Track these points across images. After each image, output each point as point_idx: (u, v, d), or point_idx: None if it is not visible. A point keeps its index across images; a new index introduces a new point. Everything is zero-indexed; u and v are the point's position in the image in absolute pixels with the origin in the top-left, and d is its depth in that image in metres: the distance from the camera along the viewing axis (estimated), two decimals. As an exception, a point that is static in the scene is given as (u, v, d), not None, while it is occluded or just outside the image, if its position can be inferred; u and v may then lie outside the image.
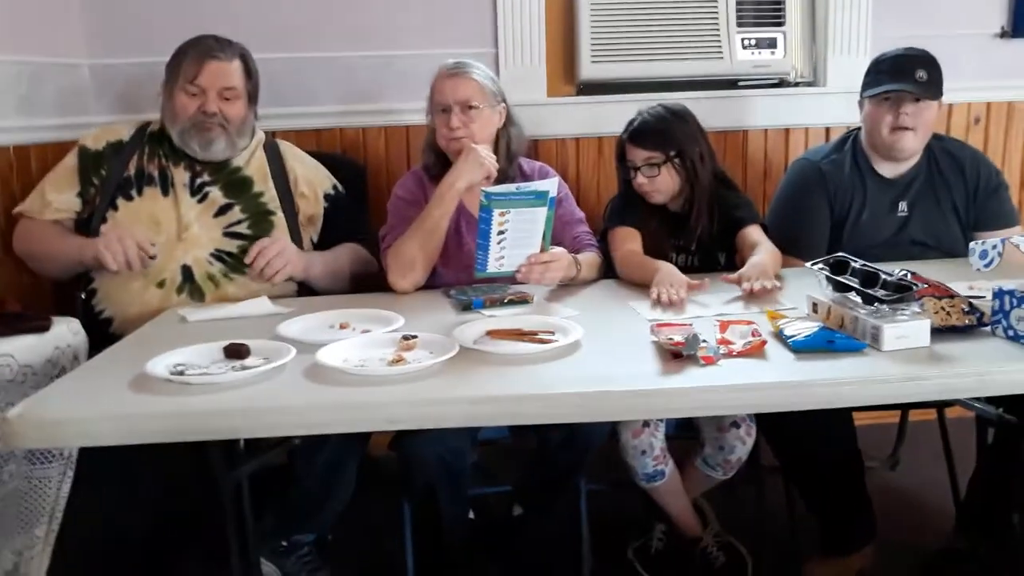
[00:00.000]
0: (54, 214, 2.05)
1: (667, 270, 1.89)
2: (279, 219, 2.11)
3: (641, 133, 2.10)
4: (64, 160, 2.10)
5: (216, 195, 2.07)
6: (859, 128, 2.27)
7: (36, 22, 2.29)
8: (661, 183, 2.09)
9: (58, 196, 2.06)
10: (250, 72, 2.11)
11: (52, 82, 2.32)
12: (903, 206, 2.19)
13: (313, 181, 2.20)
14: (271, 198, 2.12)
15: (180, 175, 2.07)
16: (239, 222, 2.06)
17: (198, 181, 2.07)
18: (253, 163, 2.14)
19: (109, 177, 2.06)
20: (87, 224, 2.06)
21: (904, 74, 2.10)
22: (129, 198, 2.04)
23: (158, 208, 2.03)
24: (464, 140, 2.02)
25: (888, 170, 2.21)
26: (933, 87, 2.11)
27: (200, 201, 2.05)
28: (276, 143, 2.22)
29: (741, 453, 1.97)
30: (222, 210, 2.06)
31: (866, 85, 2.18)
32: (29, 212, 2.06)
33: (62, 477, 1.64)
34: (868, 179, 2.20)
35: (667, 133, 2.09)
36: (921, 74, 2.09)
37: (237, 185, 2.10)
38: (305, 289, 2.13)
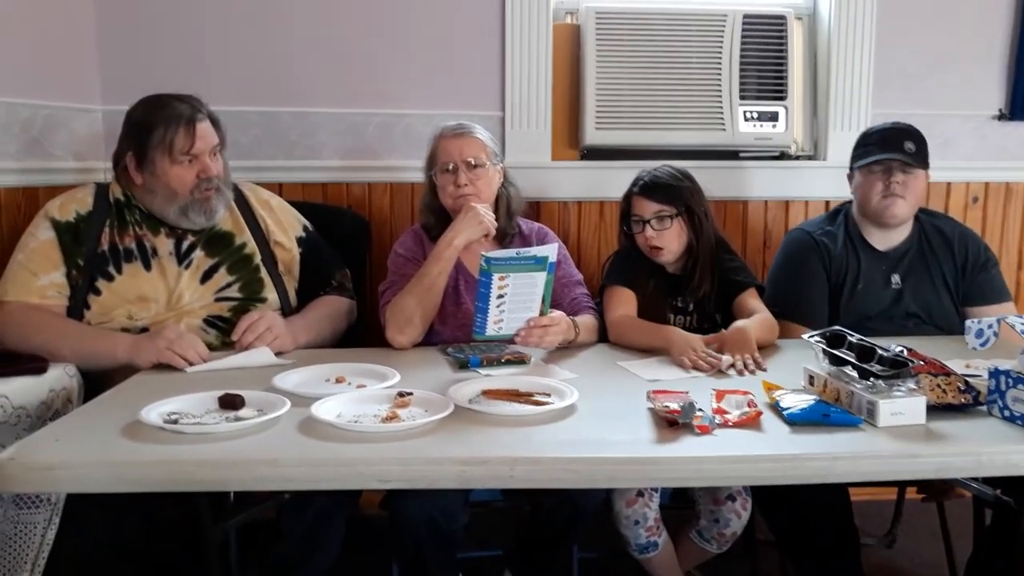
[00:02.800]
0: (46, 299, 1.89)
1: (682, 337, 1.90)
2: (266, 276, 2.07)
3: (653, 187, 2.13)
4: (35, 234, 1.94)
5: (200, 257, 2.01)
6: (850, 202, 2.32)
7: (54, 67, 2.34)
8: (669, 238, 2.11)
9: (47, 277, 1.90)
10: (216, 121, 2.03)
11: (66, 126, 2.36)
12: (896, 279, 2.23)
13: (284, 225, 2.16)
14: (252, 249, 2.08)
15: (163, 244, 1.99)
16: (228, 285, 2.02)
17: (184, 246, 2.00)
18: (228, 215, 2.08)
19: (87, 254, 1.94)
20: (68, 310, 1.91)
21: (893, 145, 2.17)
22: (109, 278, 1.94)
23: (143, 284, 1.95)
24: (471, 197, 2.05)
25: (880, 242, 2.25)
26: (920, 157, 2.18)
27: (187, 267, 1.99)
28: (240, 189, 2.14)
29: (736, 527, 1.95)
30: (208, 273, 2.01)
31: (856, 157, 2.26)
32: (19, 298, 1.88)
33: (48, 523, 1.62)
34: (861, 251, 2.25)
35: (678, 188, 2.12)
36: (909, 145, 2.17)
37: (218, 240, 2.05)
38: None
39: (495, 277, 1.76)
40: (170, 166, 1.94)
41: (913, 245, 2.26)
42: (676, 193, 2.12)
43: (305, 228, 2.21)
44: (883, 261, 2.24)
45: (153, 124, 1.93)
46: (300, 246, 2.17)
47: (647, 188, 2.13)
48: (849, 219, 2.30)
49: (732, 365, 1.79)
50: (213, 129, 2.01)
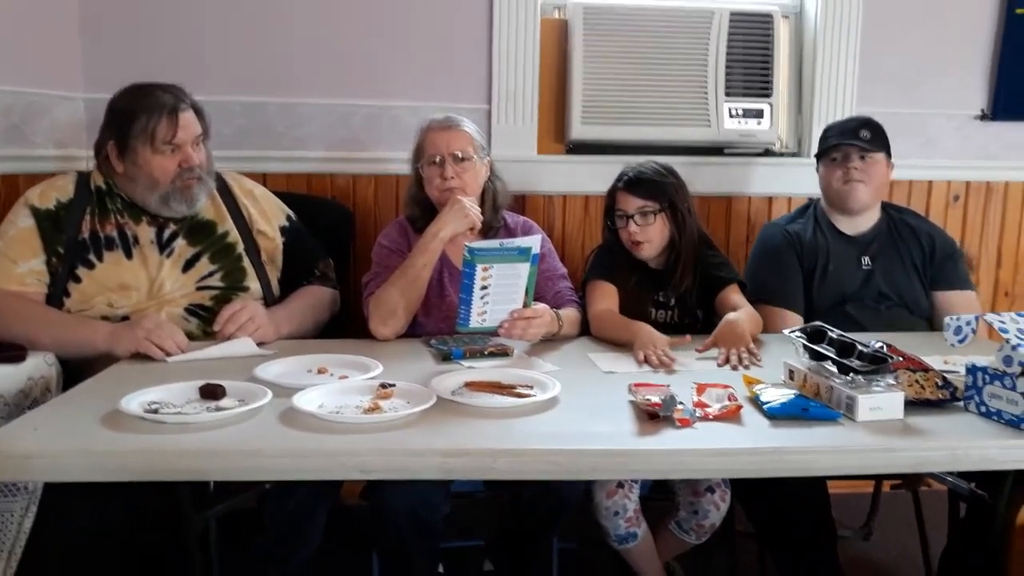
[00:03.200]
0: (25, 287, 1.88)
1: (647, 332, 1.91)
2: (248, 265, 2.06)
3: (637, 182, 2.14)
4: (14, 221, 1.92)
5: (181, 246, 2.00)
6: (819, 199, 2.41)
7: (35, 54, 2.31)
8: (653, 233, 2.12)
9: (26, 264, 1.89)
10: (200, 111, 2.02)
11: (47, 114, 2.33)
12: (866, 260, 2.31)
13: (268, 215, 2.15)
14: (235, 238, 2.07)
15: (144, 232, 1.98)
16: (210, 274, 2.01)
17: (166, 235, 1.99)
18: (210, 204, 2.07)
19: (67, 242, 1.92)
20: (47, 298, 1.90)
21: (849, 133, 2.29)
22: (90, 266, 1.92)
23: (124, 272, 1.94)
24: (457, 190, 2.05)
25: (849, 228, 2.34)
26: (877, 142, 2.28)
27: (168, 256, 1.98)
28: (223, 178, 2.13)
29: (715, 519, 1.97)
30: (191, 262, 2.00)
31: (818, 149, 2.36)
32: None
33: (25, 512, 1.61)
34: (831, 237, 2.33)
35: (662, 184, 2.13)
36: (865, 133, 2.27)
37: (200, 229, 2.04)
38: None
39: (479, 268, 1.76)
40: (152, 155, 1.93)
41: (882, 231, 2.34)
42: (660, 189, 2.13)
43: (288, 218, 2.20)
44: (853, 245, 2.33)
45: (135, 113, 1.92)
46: (283, 235, 2.16)
47: (631, 183, 2.14)
48: (818, 210, 2.39)
49: (727, 360, 1.80)
50: (196, 119, 2.00)
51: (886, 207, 2.38)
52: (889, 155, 2.31)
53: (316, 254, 2.22)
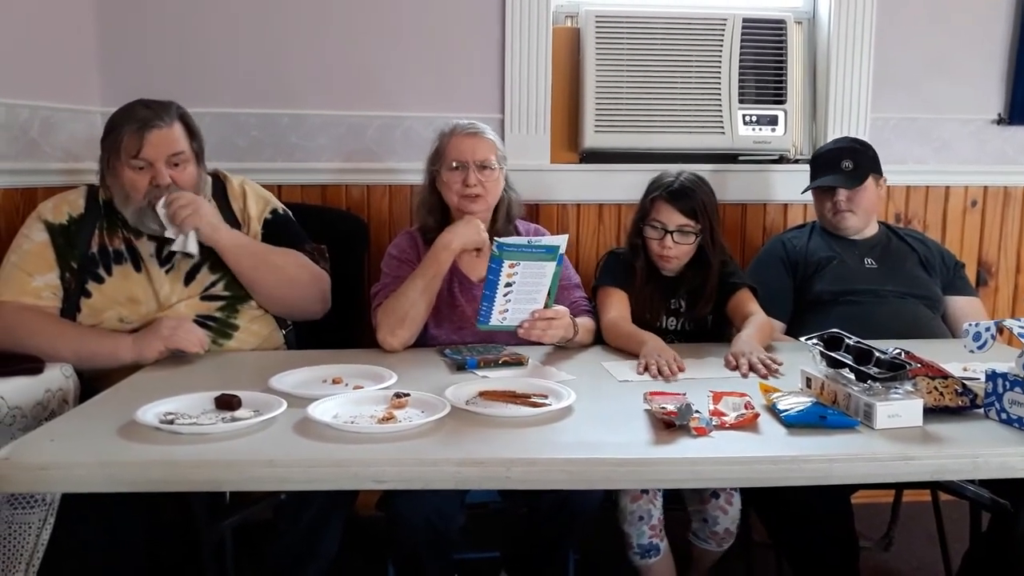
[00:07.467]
0: (41, 300, 1.88)
1: (655, 344, 1.88)
2: None
3: (683, 194, 2.08)
4: (29, 235, 1.93)
5: (181, 260, 1.97)
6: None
7: (53, 68, 2.34)
8: (684, 252, 2.10)
9: (42, 279, 1.89)
10: (193, 131, 1.99)
11: (64, 128, 2.36)
12: (870, 261, 2.35)
13: (256, 212, 2.11)
14: None
15: (145, 247, 1.97)
16: (213, 284, 1.99)
17: (166, 251, 1.97)
18: None
19: (79, 257, 1.93)
20: (60, 313, 1.91)
21: (832, 167, 2.35)
22: (99, 280, 1.93)
23: (133, 286, 1.94)
24: (479, 198, 2.04)
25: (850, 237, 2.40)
26: (858, 173, 2.33)
27: (169, 271, 1.97)
28: (221, 182, 2.11)
29: (726, 523, 1.95)
30: (191, 274, 1.98)
31: (810, 178, 2.42)
32: (14, 298, 1.86)
33: (43, 523, 1.62)
34: (833, 240, 2.39)
35: (704, 204, 2.08)
36: (847, 164, 2.33)
37: (199, 243, 1.96)
38: (300, 343, 2.12)
39: (505, 264, 1.75)
40: (123, 170, 1.91)
41: (882, 240, 2.41)
42: (702, 209, 2.08)
43: (273, 211, 2.15)
44: (855, 247, 2.38)
45: (112, 127, 1.93)
46: (264, 228, 2.11)
47: (677, 194, 2.08)
48: (817, 225, 2.47)
49: (752, 368, 1.76)
50: (181, 137, 1.95)
51: (884, 224, 2.45)
52: (878, 173, 2.36)
53: (300, 238, 2.15)
